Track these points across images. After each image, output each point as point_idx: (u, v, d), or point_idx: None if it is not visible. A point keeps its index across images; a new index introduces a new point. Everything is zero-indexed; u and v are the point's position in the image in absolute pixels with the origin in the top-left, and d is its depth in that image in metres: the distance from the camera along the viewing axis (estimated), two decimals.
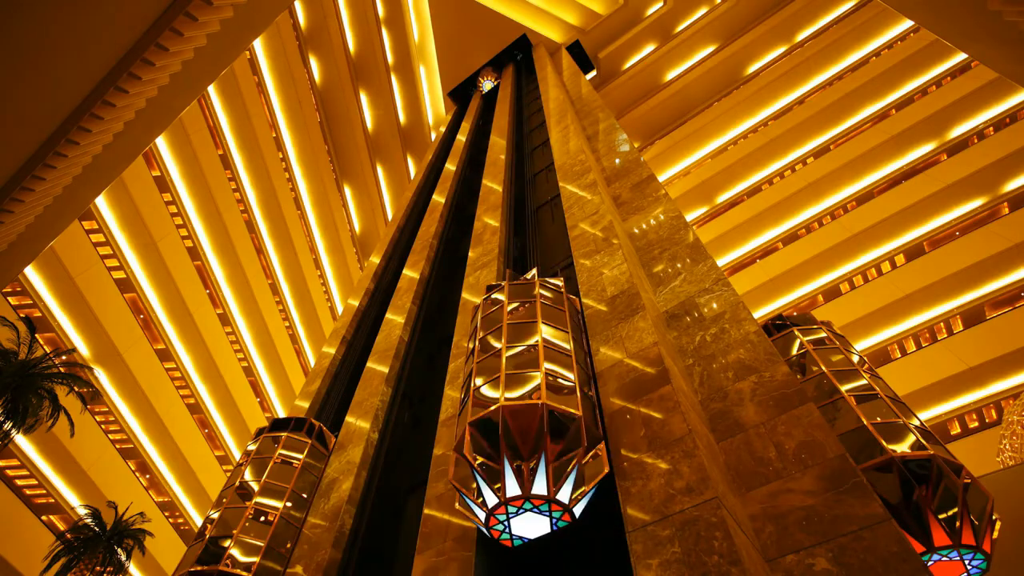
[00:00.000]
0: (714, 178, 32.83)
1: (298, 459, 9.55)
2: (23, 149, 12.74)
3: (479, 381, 6.02)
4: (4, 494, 24.88)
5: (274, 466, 9.26)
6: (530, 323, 6.65)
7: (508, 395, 5.55)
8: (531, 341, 6.32)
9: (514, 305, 7.17)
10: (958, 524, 5.33)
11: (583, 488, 5.15)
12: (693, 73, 35.72)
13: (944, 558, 5.38)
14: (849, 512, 4.30)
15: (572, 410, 5.36)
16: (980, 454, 18.70)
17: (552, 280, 7.75)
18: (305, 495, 9.17)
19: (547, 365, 5.87)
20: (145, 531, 24.86)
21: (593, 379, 6.55)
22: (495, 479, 5.16)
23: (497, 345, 6.49)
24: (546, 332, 6.44)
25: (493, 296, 7.67)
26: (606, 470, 5.26)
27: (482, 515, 5.28)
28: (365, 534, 8.43)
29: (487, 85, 35.44)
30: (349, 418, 10.61)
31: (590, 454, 5.28)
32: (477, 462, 5.29)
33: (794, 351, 7.59)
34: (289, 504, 8.78)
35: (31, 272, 25.50)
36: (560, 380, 5.76)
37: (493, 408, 5.44)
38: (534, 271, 8.48)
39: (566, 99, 20.48)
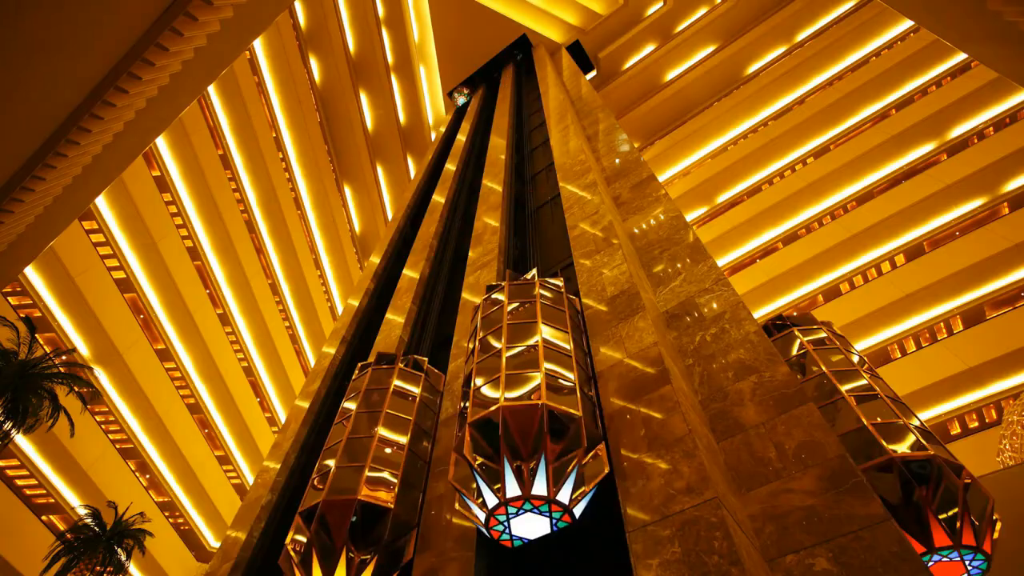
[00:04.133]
0: (714, 178, 32.83)
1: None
2: (23, 149, 12.73)
3: (479, 381, 6.00)
4: (4, 494, 24.88)
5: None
6: (530, 323, 6.61)
7: (508, 395, 5.53)
8: (531, 341, 6.29)
9: (514, 305, 7.11)
10: (958, 525, 5.32)
11: (583, 488, 5.15)
12: (693, 73, 35.72)
13: (944, 559, 5.37)
14: (849, 512, 4.30)
15: (572, 410, 5.34)
16: (980, 454, 18.69)
17: (552, 280, 7.70)
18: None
19: (547, 365, 5.84)
20: (145, 531, 24.85)
21: (593, 379, 6.53)
22: (495, 479, 5.15)
23: (497, 345, 6.45)
24: (546, 332, 6.41)
25: (493, 296, 7.61)
26: (606, 470, 5.25)
27: (482, 516, 5.28)
28: None
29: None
30: None
31: (590, 454, 5.27)
32: (477, 462, 5.28)
33: (794, 351, 7.55)
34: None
35: (31, 272, 25.50)
36: (560, 380, 5.73)
37: (493, 408, 5.44)
38: (534, 271, 8.39)
39: (566, 99, 20.48)
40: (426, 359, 8.97)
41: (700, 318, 7.17)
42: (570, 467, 5.11)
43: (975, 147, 24.79)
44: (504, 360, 6.08)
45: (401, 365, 8.51)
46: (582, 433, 5.21)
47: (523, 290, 7.41)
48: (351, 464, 6.70)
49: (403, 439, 7.27)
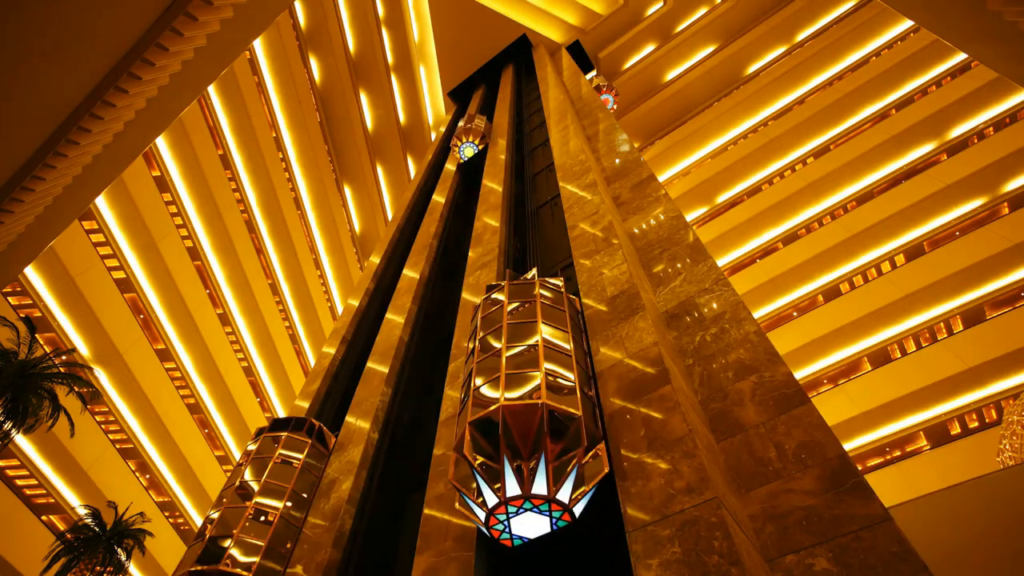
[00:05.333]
0: (714, 178, 32.83)
1: (298, 459, 9.52)
2: (23, 149, 12.74)
3: (479, 381, 5.97)
4: (4, 494, 24.88)
5: (274, 466, 9.22)
6: (530, 323, 6.57)
7: (508, 395, 5.51)
8: (531, 341, 6.26)
9: (514, 305, 7.09)
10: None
11: (583, 488, 5.14)
12: (693, 73, 35.72)
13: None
14: (849, 512, 4.30)
15: (572, 410, 5.34)
16: (980, 454, 18.69)
17: (552, 280, 7.68)
18: (305, 495, 9.14)
19: (547, 365, 5.81)
20: (145, 531, 24.87)
21: (593, 379, 6.53)
22: (495, 479, 5.14)
23: (497, 345, 6.43)
24: (546, 332, 6.37)
25: (493, 296, 7.59)
26: (606, 470, 5.25)
27: (482, 514, 5.26)
28: (365, 534, 8.44)
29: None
30: (349, 418, 10.61)
31: (590, 454, 5.26)
32: (477, 462, 5.28)
33: None
34: (289, 504, 8.75)
35: (31, 272, 25.50)
36: (560, 380, 5.72)
37: (493, 408, 5.42)
38: (534, 271, 8.38)
39: (566, 99, 20.47)
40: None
41: (700, 318, 7.17)
42: (570, 466, 5.09)
43: (975, 147, 24.79)
44: (504, 360, 6.03)
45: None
46: (582, 433, 5.20)
47: (523, 290, 7.39)
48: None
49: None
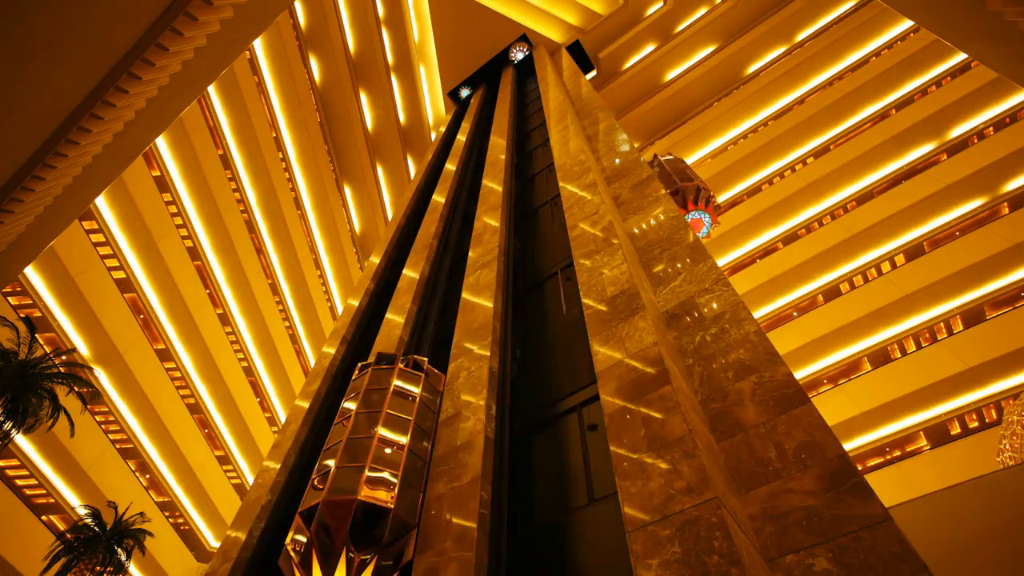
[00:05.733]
0: (714, 178, 32.82)
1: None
2: (23, 149, 12.74)
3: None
4: (4, 494, 24.87)
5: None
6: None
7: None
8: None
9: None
10: None
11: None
12: (693, 73, 35.72)
13: None
14: (849, 512, 4.30)
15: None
16: (980, 454, 18.70)
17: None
18: None
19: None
20: (145, 531, 24.88)
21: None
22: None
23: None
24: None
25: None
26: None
27: None
28: None
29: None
30: None
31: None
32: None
33: None
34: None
35: (31, 272, 25.49)
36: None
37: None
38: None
39: (566, 99, 20.47)
40: (426, 359, 8.99)
41: (700, 318, 7.17)
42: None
43: (975, 147, 24.80)
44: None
45: (401, 365, 8.58)
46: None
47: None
48: (351, 464, 6.92)
49: (403, 439, 7.42)
